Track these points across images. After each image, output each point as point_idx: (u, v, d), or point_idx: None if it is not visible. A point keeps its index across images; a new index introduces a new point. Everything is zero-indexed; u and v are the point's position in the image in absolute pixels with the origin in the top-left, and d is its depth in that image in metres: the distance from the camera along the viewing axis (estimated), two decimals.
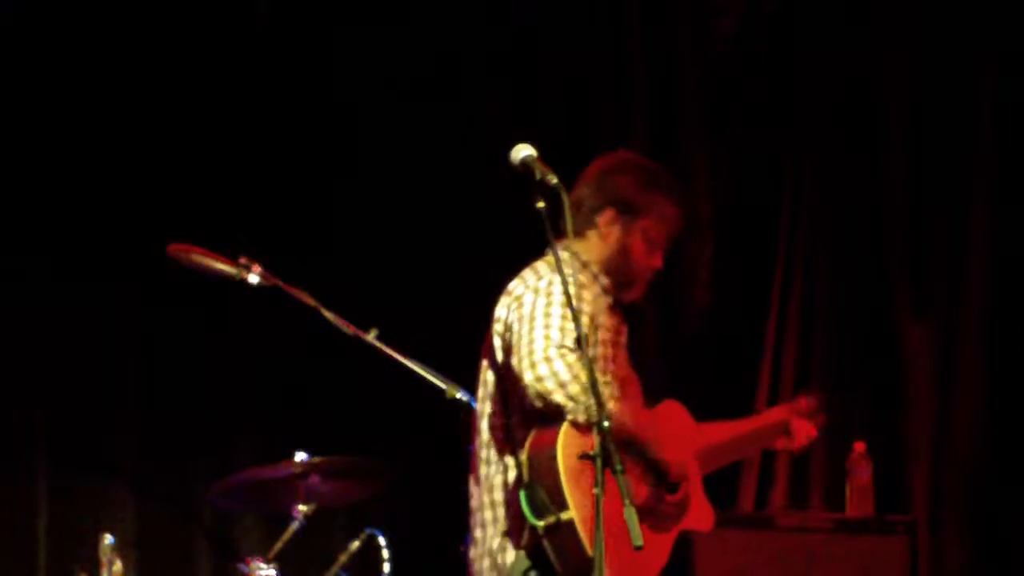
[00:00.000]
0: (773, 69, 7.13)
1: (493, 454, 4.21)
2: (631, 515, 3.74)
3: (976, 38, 6.88)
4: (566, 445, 3.98)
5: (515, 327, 4.10)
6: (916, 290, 6.96)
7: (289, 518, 5.66)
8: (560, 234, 3.97)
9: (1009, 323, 6.81)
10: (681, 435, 4.47)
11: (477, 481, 4.24)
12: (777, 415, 4.84)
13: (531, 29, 7.16)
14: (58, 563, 6.47)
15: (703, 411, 7.04)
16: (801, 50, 7.09)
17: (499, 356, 4.19)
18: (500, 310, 4.26)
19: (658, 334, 7.16)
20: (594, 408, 3.83)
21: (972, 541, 6.77)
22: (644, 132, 7.22)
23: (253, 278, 5.06)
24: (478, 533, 4.22)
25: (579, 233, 4.35)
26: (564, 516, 3.96)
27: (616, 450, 3.87)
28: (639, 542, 3.67)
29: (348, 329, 4.98)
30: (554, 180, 4.01)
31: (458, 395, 4.78)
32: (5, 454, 6.58)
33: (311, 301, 5.05)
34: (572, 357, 3.97)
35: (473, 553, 4.25)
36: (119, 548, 5.50)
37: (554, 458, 3.98)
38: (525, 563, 4.07)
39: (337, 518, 6.55)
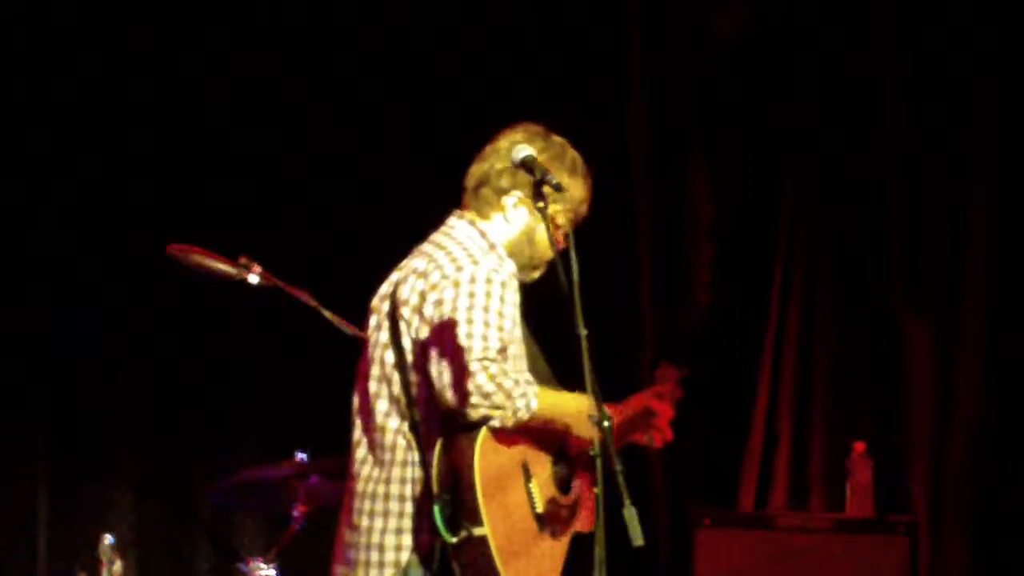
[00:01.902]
0: (773, 69, 7.12)
1: (391, 442, 4.00)
2: (631, 515, 3.73)
3: (976, 38, 6.88)
4: (483, 454, 3.84)
5: (436, 325, 3.92)
6: (916, 290, 6.96)
7: (289, 518, 5.66)
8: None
9: (1009, 323, 6.81)
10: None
11: (369, 465, 4.03)
12: (639, 402, 4.61)
13: (531, 29, 7.16)
14: (58, 563, 6.47)
15: (702, 410, 7.07)
16: (801, 50, 7.09)
17: (404, 342, 3.99)
18: (406, 290, 4.02)
19: (658, 334, 7.16)
20: (520, 412, 3.83)
21: (972, 541, 6.77)
22: (644, 132, 7.22)
23: (253, 278, 5.05)
24: (365, 521, 4.00)
25: (482, 212, 4.17)
26: (477, 532, 3.82)
27: (535, 448, 3.90)
28: (639, 541, 3.66)
29: (348, 329, 4.97)
30: (554, 180, 4.00)
31: None
32: (5, 454, 6.58)
33: (311, 301, 5.05)
34: (495, 368, 3.83)
35: (353, 539, 4.04)
36: (119, 548, 5.50)
37: (470, 469, 3.82)
38: (422, 570, 3.92)
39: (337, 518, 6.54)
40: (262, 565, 5.56)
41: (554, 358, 4.29)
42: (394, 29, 7.15)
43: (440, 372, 3.87)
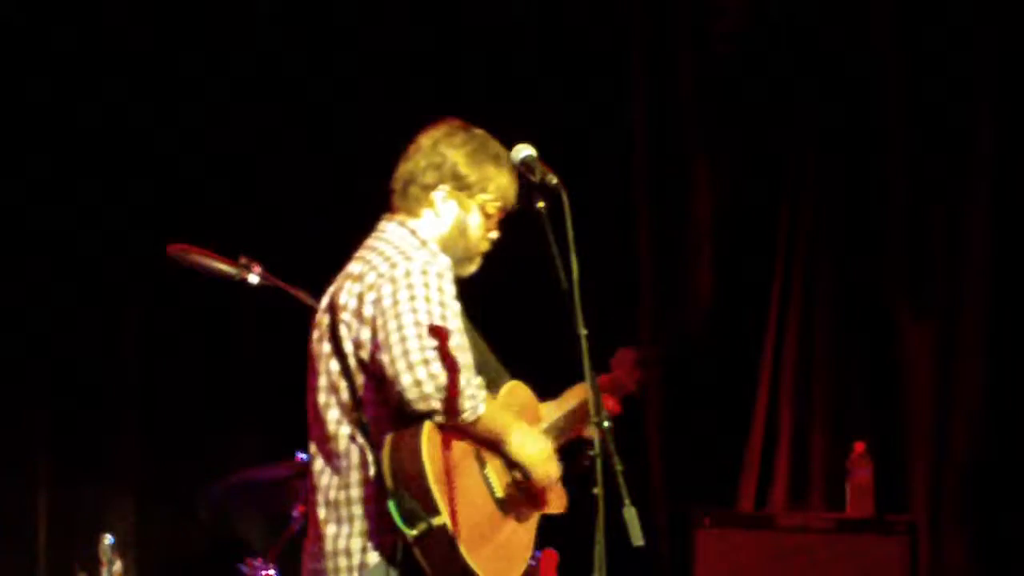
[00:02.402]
0: (773, 69, 7.12)
1: (345, 448, 4.00)
2: (631, 515, 3.73)
3: (976, 38, 6.88)
4: (431, 445, 3.83)
5: (379, 322, 3.90)
6: (916, 291, 6.96)
7: (289, 518, 5.66)
8: (563, 236, 3.94)
9: (1009, 324, 6.81)
10: (530, 418, 4.27)
11: (328, 475, 4.02)
12: (580, 395, 4.59)
13: (532, 28, 7.17)
14: (58, 563, 6.47)
15: (702, 410, 7.08)
16: (801, 50, 7.09)
17: (346, 347, 3.99)
18: (343, 296, 4.03)
19: (658, 334, 7.17)
20: (466, 413, 3.83)
21: (972, 541, 6.77)
22: (644, 132, 7.22)
23: (253, 278, 5.05)
24: (331, 529, 3.99)
25: (412, 211, 4.17)
26: (436, 522, 3.80)
27: (482, 442, 3.90)
28: (639, 541, 3.65)
29: None
30: (554, 180, 4.00)
31: None
32: (5, 454, 6.58)
33: (311, 301, 5.05)
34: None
35: (318, 548, 4.03)
36: (119, 548, 5.50)
37: (419, 462, 3.81)
38: (386, 568, 3.91)
39: None
40: (262, 565, 5.56)
41: (502, 350, 4.29)
42: (394, 29, 7.16)
43: (392, 363, 3.85)
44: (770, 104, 7.13)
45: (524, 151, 4.07)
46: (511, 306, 6.32)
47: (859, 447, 6.53)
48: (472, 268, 4.24)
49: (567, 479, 4.33)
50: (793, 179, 7.12)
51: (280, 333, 6.53)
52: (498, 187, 4.18)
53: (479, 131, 4.26)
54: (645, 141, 7.22)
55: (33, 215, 6.63)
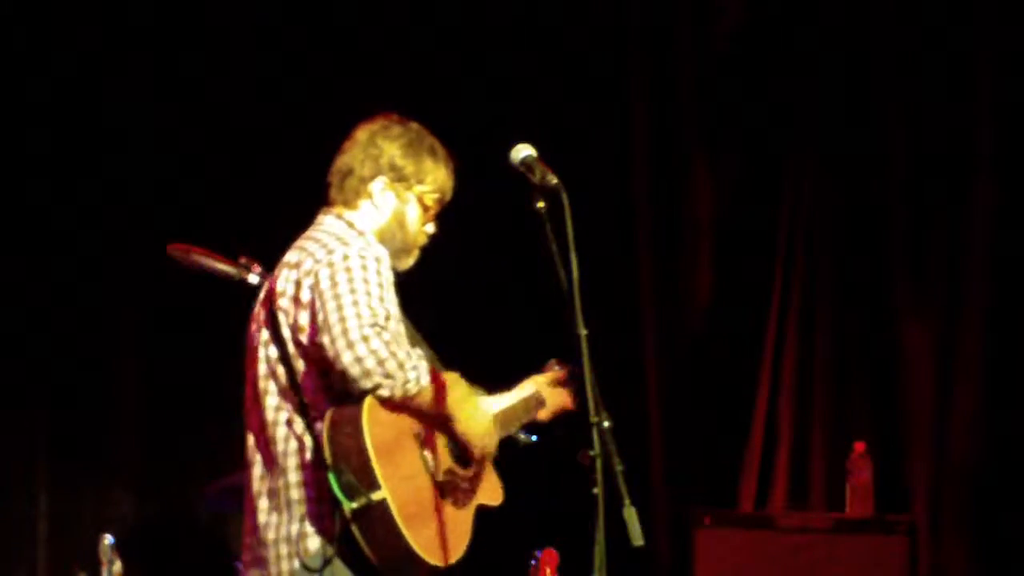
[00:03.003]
0: (773, 69, 7.12)
1: (283, 434, 4.01)
2: (631, 515, 3.73)
3: (976, 38, 6.88)
4: (372, 420, 3.84)
5: (317, 304, 3.92)
6: (916, 290, 6.96)
7: None
8: (563, 237, 3.93)
9: (1009, 323, 6.81)
10: None
11: (266, 462, 4.04)
12: (533, 387, 4.53)
13: (531, 29, 7.17)
14: (58, 563, 6.47)
15: (702, 410, 7.08)
16: (801, 50, 7.09)
17: (284, 332, 4.02)
18: (280, 283, 4.06)
19: (658, 334, 7.17)
20: (410, 384, 3.83)
21: (972, 541, 6.77)
22: (644, 132, 7.22)
23: (253, 278, 5.04)
24: (272, 518, 4.00)
25: (350, 203, 4.21)
26: (375, 496, 3.79)
27: (423, 420, 3.90)
28: (639, 541, 3.65)
29: None
30: (554, 180, 4.00)
31: None
32: (5, 454, 6.58)
33: None
34: (387, 335, 3.85)
35: (262, 537, 4.01)
36: (119, 548, 5.50)
37: (360, 435, 3.82)
38: (328, 550, 3.89)
39: None
40: None
41: (438, 343, 4.30)
42: (392, 29, 7.16)
43: (332, 342, 3.86)
44: (770, 104, 7.12)
45: (524, 151, 4.07)
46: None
47: (859, 447, 6.53)
48: (409, 261, 4.27)
49: (566, 478, 4.33)
50: (793, 179, 7.12)
51: None
52: (435, 179, 4.25)
53: (415, 124, 4.31)
54: (645, 141, 7.22)
55: (33, 215, 6.63)
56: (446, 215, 5.23)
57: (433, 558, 3.91)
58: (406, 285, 4.32)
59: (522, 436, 4.61)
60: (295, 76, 6.98)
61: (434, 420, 4.01)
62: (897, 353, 6.94)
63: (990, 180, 6.87)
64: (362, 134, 4.27)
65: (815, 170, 7.09)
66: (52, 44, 6.70)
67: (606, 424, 3.79)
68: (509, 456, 4.66)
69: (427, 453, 4.00)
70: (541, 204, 4.00)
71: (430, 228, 4.30)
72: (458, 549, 4.05)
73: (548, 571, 5.48)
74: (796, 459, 6.98)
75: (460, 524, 4.09)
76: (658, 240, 7.21)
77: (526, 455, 4.68)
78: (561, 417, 4.61)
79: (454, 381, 4.15)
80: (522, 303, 6.84)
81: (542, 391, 4.57)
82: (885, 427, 6.89)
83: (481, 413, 4.11)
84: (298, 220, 6.83)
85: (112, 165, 6.73)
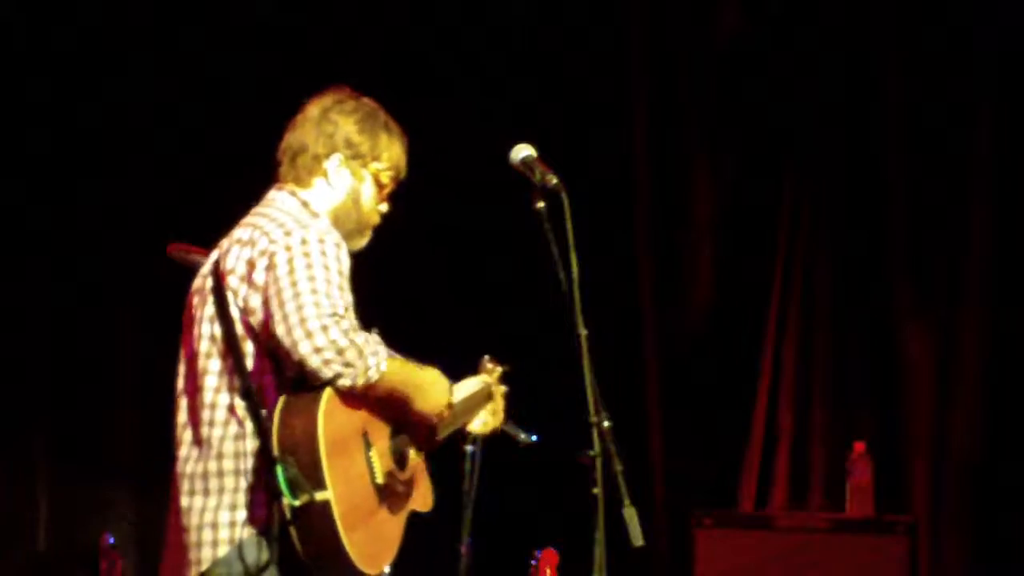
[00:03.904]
0: (773, 69, 7.13)
1: (223, 417, 3.86)
2: (631, 515, 3.73)
3: (975, 38, 6.88)
4: (328, 415, 3.70)
5: (272, 290, 3.77)
6: (916, 290, 6.96)
7: None
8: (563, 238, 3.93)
9: (1009, 323, 6.81)
10: None
11: (198, 443, 3.88)
12: (478, 383, 4.41)
13: (531, 28, 7.17)
14: (58, 563, 6.47)
15: (702, 410, 7.08)
16: (801, 50, 7.09)
17: (232, 312, 3.87)
18: (231, 260, 3.91)
19: (658, 334, 7.17)
20: (370, 371, 3.71)
21: (972, 541, 6.77)
22: (644, 132, 7.22)
23: None
24: (197, 501, 3.84)
25: (302, 180, 4.05)
26: (319, 496, 3.66)
27: (375, 417, 3.80)
28: (639, 541, 3.65)
29: None
30: (554, 180, 4.00)
31: None
32: (5, 454, 6.59)
33: None
34: (346, 323, 3.73)
35: (184, 521, 3.86)
36: (119, 548, 5.51)
37: (314, 428, 3.68)
38: (258, 541, 3.77)
39: None
40: None
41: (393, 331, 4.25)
42: (393, 29, 7.16)
43: (289, 332, 3.72)
44: (770, 104, 7.13)
45: (524, 151, 4.07)
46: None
47: (859, 447, 6.54)
48: (363, 241, 4.14)
49: (566, 478, 4.33)
50: (793, 179, 7.12)
51: None
52: (391, 156, 4.10)
53: (368, 100, 4.16)
54: (645, 141, 7.22)
55: (33, 215, 6.63)
56: (447, 213, 5.27)
57: (365, 565, 3.77)
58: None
59: (522, 436, 4.60)
60: (295, 76, 6.97)
61: (395, 404, 3.89)
62: (897, 353, 6.94)
63: (990, 180, 6.87)
64: (314, 109, 4.11)
65: (815, 170, 7.09)
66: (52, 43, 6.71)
67: (606, 424, 3.78)
68: (509, 456, 4.67)
69: (372, 454, 3.88)
70: (541, 204, 3.99)
71: (383, 207, 4.15)
72: (387, 556, 3.94)
73: (548, 571, 5.48)
74: (796, 459, 6.98)
75: (392, 530, 3.97)
76: (658, 240, 7.21)
77: (526, 455, 4.68)
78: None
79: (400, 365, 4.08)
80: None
81: (490, 387, 4.44)
82: (885, 427, 6.89)
83: (438, 383, 3.98)
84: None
85: (112, 164, 6.73)
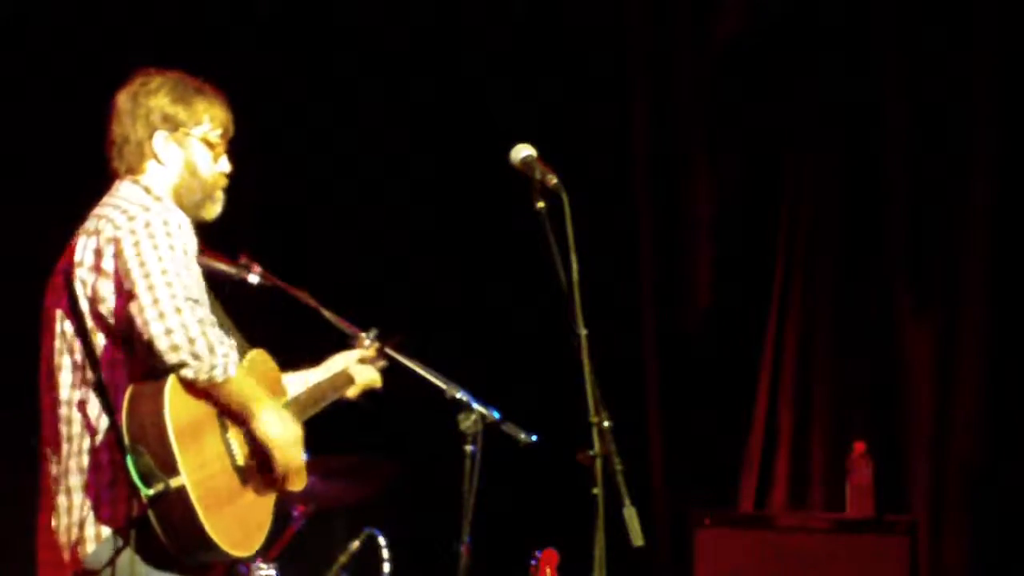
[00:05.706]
0: (773, 69, 7.12)
1: (77, 413, 3.89)
2: (631, 515, 3.73)
3: (976, 38, 6.88)
4: (175, 401, 3.69)
5: (122, 272, 3.78)
6: (916, 290, 6.96)
7: (289, 518, 5.65)
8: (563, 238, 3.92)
9: (1009, 324, 6.81)
10: (273, 391, 4.16)
11: (58, 442, 3.93)
12: (342, 363, 4.52)
13: (532, 28, 7.17)
14: None
15: (702, 410, 7.08)
16: (801, 50, 7.09)
17: (82, 304, 3.87)
18: (79, 253, 3.92)
19: (658, 334, 7.17)
20: (216, 371, 3.70)
21: (972, 541, 6.77)
22: (644, 132, 7.22)
23: (253, 278, 5.05)
24: (62, 500, 3.90)
25: (136, 168, 4.05)
26: (174, 483, 3.64)
27: (224, 412, 3.78)
28: (639, 541, 3.65)
29: (347, 329, 4.97)
30: (554, 180, 4.00)
31: (458, 395, 4.77)
32: (5, 454, 6.57)
33: (311, 301, 5.05)
34: (200, 312, 3.75)
35: (56, 523, 3.92)
36: None
37: (160, 417, 3.66)
38: (123, 536, 3.76)
39: (337, 518, 6.54)
40: (262, 565, 5.55)
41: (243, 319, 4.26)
42: (393, 29, 7.17)
43: (139, 314, 3.72)
44: (770, 104, 7.13)
45: (524, 151, 4.07)
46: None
47: (859, 447, 6.53)
48: (216, 208, 4.14)
49: (566, 478, 4.33)
50: (793, 179, 7.13)
51: (279, 333, 6.54)
52: (212, 116, 4.11)
53: (173, 73, 4.15)
54: (645, 141, 7.22)
55: (35, 215, 6.63)
56: (447, 212, 5.27)
57: (232, 547, 3.76)
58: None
59: (522, 436, 4.61)
60: (295, 76, 6.98)
61: (235, 416, 3.86)
62: (897, 353, 6.94)
63: (990, 180, 6.87)
64: (123, 99, 4.11)
65: (815, 170, 7.09)
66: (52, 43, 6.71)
67: (606, 424, 3.78)
68: (509, 456, 4.67)
69: (231, 436, 3.85)
70: (541, 204, 4.00)
71: (225, 167, 4.14)
72: (257, 538, 3.92)
73: (548, 571, 5.48)
74: (796, 459, 6.99)
75: (259, 513, 3.95)
76: (658, 240, 7.21)
77: (526, 455, 4.69)
78: (369, 393, 4.56)
79: (261, 360, 4.12)
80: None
81: (351, 368, 4.50)
82: (885, 427, 6.89)
83: (286, 420, 3.94)
84: (297, 220, 6.84)
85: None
